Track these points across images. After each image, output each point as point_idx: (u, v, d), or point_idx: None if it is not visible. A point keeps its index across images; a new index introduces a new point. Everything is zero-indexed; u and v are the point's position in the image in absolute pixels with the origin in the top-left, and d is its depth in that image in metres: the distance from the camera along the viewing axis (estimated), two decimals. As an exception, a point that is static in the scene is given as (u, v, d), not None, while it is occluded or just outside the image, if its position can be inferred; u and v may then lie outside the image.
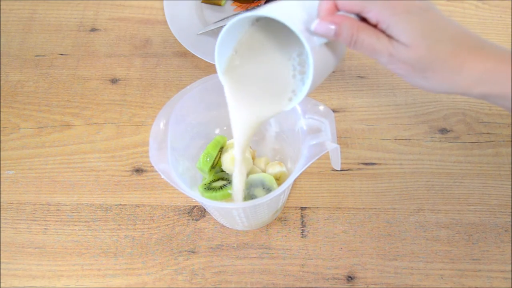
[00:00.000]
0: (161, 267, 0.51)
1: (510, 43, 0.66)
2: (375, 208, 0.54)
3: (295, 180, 0.50)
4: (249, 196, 0.50)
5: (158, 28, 0.69)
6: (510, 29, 0.68)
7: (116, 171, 0.57)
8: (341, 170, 0.56)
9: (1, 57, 0.67)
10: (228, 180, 0.51)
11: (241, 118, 0.41)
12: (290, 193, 0.55)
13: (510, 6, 0.70)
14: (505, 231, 0.53)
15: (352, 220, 0.53)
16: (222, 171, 0.52)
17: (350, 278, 0.50)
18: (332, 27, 0.33)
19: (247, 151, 0.52)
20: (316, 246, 0.52)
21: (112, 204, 0.55)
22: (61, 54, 0.67)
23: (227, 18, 0.67)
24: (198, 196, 0.49)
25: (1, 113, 0.62)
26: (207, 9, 0.70)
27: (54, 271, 0.51)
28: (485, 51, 0.33)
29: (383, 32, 0.33)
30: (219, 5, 0.70)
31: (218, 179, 0.52)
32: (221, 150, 0.53)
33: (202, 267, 0.51)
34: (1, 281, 0.51)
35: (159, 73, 0.65)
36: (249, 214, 0.47)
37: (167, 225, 0.54)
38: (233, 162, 0.52)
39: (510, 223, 0.53)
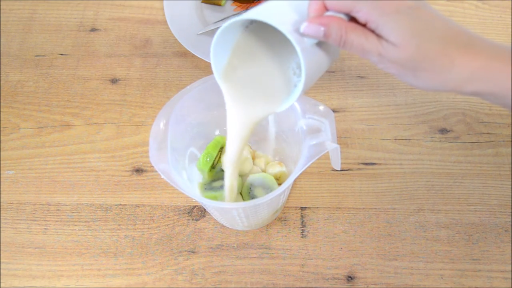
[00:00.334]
0: (161, 267, 0.51)
1: (510, 43, 0.66)
2: (375, 208, 0.54)
3: (295, 180, 0.50)
4: (249, 196, 0.50)
5: (158, 28, 0.69)
6: (510, 29, 0.68)
7: (116, 171, 0.57)
8: (341, 170, 0.56)
9: (1, 57, 0.67)
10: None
11: (238, 118, 0.41)
12: (290, 193, 0.55)
13: (510, 6, 0.70)
14: (505, 231, 0.53)
15: (352, 220, 0.53)
16: (222, 171, 0.52)
17: (350, 278, 0.50)
18: (321, 28, 0.33)
19: (246, 151, 0.52)
20: (316, 246, 0.52)
21: (112, 204, 0.55)
22: (61, 54, 0.67)
23: (227, 18, 0.67)
24: (198, 196, 0.49)
25: (1, 113, 0.62)
26: (207, 9, 0.70)
27: (54, 271, 0.51)
28: (476, 48, 0.33)
29: (372, 31, 0.33)
30: (219, 5, 0.70)
31: (218, 179, 0.52)
32: (221, 150, 0.53)
33: (202, 267, 0.51)
34: (1, 281, 0.51)
35: (159, 73, 0.65)
36: (249, 214, 0.47)
37: (167, 225, 0.54)
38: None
39: (510, 223, 0.53)
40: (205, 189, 0.51)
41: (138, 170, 0.57)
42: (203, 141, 0.54)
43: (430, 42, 0.32)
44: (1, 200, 0.56)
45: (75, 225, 0.54)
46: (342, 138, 0.59)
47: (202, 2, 0.71)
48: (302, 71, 0.34)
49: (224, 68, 0.40)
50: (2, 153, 0.59)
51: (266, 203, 0.44)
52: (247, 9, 0.70)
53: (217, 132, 0.55)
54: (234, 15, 0.68)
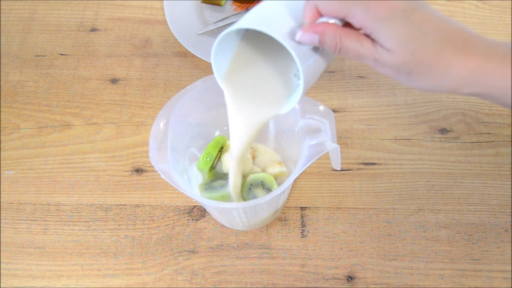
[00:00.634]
0: (161, 267, 0.51)
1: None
2: (375, 208, 0.54)
3: (295, 180, 0.50)
4: (249, 196, 0.50)
5: (158, 28, 0.69)
6: (510, 29, 0.68)
7: (116, 171, 0.57)
8: (341, 170, 0.56)
9: (1, 57, 0.67)
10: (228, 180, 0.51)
11: (241, 121, 0.42)
12: (290, 193, 0.55)
13: (510, 6, 0.70)
14: (505, 231, 0.53)
15: (352, 220, 0.53)
16: (223, 172, 0.52)
17: (350, 278, 0.50)
18: (316, 36, 0.33)
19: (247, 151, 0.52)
20: (316, 246, 0.52)
21: (112, 204, 0.55)
22: (61, 54, 0.67)
23: (227, 18, 0.67)
24: (198, 196, 0.49)
25: (1, 113, 0.62)
26: (207, 9, 0.70)
27: (54, 271, 0.52)
28: (472, 50, 0.33)
29: (367, 36, 0.33)
30: (219, 5, 0.70)
31: (218, 179, 0.52)
32: (221, 150, 0.53)
33: (202, 267, 0.51)
34: (1, 281, 0.51)
35: (159, 73, 0.65)
36: (249, 214, 0.47)
37: (167, 225, 0.54)
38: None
39: (510, 223, 0.53)
40: (205, 189, 0.51)
41: (138, 170, 0.57)
42: (203, 141, 0.54)
43: (424, 47, 0.32)
44: (1, 200, 0.56)
45: (75, 225, 0.54)
46: (342, 138, 0.59)
47: (202, 2, 0.71)
48: (301, 76, 0.34)
49: (226, 72, 0.40)
50: (2, 153, 0.59)
51: (266, 203, 0.44)
52: (247, 9, 0.70)
53: (217, 132, 0.55)
54: (234, 15, 0.68)
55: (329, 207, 0.54)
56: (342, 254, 0.52)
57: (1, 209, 0.55)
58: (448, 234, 0.53)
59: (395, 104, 0.62)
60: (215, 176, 0.53)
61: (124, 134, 0.60)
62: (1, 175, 0.57)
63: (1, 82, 0.65)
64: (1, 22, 0.71)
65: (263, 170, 0.53)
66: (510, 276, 0.50)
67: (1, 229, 0.54)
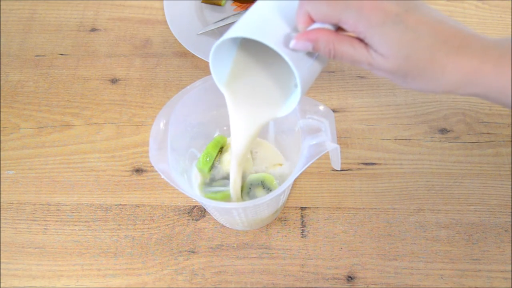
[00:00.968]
0: (161, 267, 0.51)
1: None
2: (375, 208, 0.54)
3: (295, 180, 0.50)
4: (249, 196, 0.50)
5: (158, 28, 0.69)
6: (510, 29, 0.68)
7: (116, 171, 0.57)
8: (341, 170, 0.56)
9: (1, 57, 0.67)
10: (228, 179, 0.51)
11: (242, 124, 0.42)
12: (290, 193, 0.55)
13: (510, 6, 0.70)
14: (505, 231, 0.53)
15: (352, 220, 0.53)
16: (224, 175, 0.52)
17: (350, 278, 0.50)
18: (309, 44, 0.33)
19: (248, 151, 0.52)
20: (316, 246, 0.52)
21: (112, 204, 0.55)
22: (61, 54, 0.67)
23: (227, 18, 0.67)
24: (198, 196, 0.49)
25: (1, 113, 0.62)
26: (207, 9, 0.70)
27: (54, 271, 0.52)
28: (468, 51, 0.32)
29: (361, 40, 0.33)
30: (219, 5, 0.70)
31: (218, 178, 0.52)
32: (221, 150, 0.53)
33: (202, 267, 0.51)
34: (1, 281, 0.51)
35: (159, 73, 0.65)
36: (249, 214, 0.47)
37: (167, 225, 0.54)
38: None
39: (510, 223, 0.53)
40: (206, 189, 0.51)
41: (138, 170, 0.57)
42: (203, 141, 0.54)
43: (418, 52, 0.32)
44: (1, 200, 0.56)
45: (75, 225, 0.54)
46: (342, 138, 0.59)
47: (202, 2, 0.71)
48: (297, 80, 0.34)
49: (227, 77, 0.40)
50: (2, 153, 0.59)
51: (266, 203, 0.44)
52: (247, 9, 0.70)
53: (217, 132, 0.55)
54: (234, 15, 0.68)
55: (329, 207, 0.54)
56: (342, 254, 0.52)
57: (1, 209, 0.55)
58: (448, 234, 0.52)
59: (395, 104, 0.62)
60: (215, 176, 0.52)
61: (124, 134, 0.60)
62: (1, 175, 0.57)
63: (1, 82, 0.65)
64: (1, 22, 0.71)
65: (264, 169, 0.53)
66: (510, 276, 0.50)
67: (1, 229, 0.54)
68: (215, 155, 0.52)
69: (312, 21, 0.34)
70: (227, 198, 0.49)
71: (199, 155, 0.53)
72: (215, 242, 0.53)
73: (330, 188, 0.56)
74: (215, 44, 0.36)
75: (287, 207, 0.55)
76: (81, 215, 0.55)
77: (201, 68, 0.65)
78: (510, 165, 0.57)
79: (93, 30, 0.69)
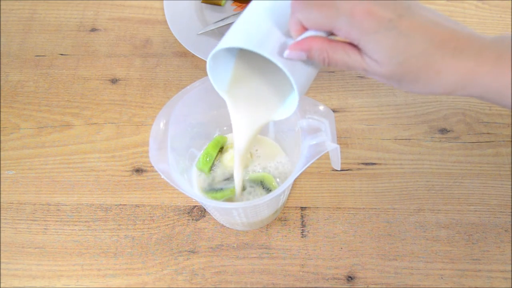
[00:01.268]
0: (161, 267, 0.51)
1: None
2: (375, 208, 0.54)
3: (295, 180, 0.50)
4: (249, 196, 0.50)
5: (158, 28, 0.69)
6: (510, 29, 0.68)
7: (116, 171, 0.57)
8: (341, 170, 0.56)
9: (1, 57, 0.67)
10: (228, 179, 0.51)
11: (243, 126, 0.43)
12: (290, 193, 0.55)
13: (510, 6, 0.70)
14: (505, 231, 0.53)
15: (352, 220, 0.53)
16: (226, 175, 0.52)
17: (350, 278, 0.50)
18: (303, 53, 0.33)
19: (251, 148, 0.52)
20: (316, 246, 0.52)
21: (112, 204, 0.55)
22: (61, 54, 0.67)
23: (227, 18, 0.67)
24: (198, 196, 0.49)
25: (1, 113, 0.62)
26: (207, 9, 0.70)
27: (54, 271, 0.51)
28: (464, 53, 0.32)
29: (355, 46, 0.33)
30: (219, 5, 0.70)
31: (219, 178, 0.52)
32: (221, 150, 0.53)
33: (202, 267, 0.51)
34: (1, 281, 0.51)
35: (159, 73, 0.65)
36: (249, 214, 0.47)
37: (167, 225, 0.54)
38: (232, 162, 0.52)
39: (510, 223, 0.53)
40: (207, 189, 0.51)
41: (138, 170, 0.57)
42: (203, 141, 0.54)
43: (412, 58, 0.32)
44: (1, 200, 0.56)
45: (75, 225, 0.54)
46: (342, 138, 0.59)
47: (202, 2, 0.70)
48: (294, 86, 0.34)
49: (228, 83, 0.41)
50: (2, 153, 0.59)
51: (266, 203, 0.44)
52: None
53: (217, 132, 0.55)
54: (234, 15, 0.68)
55: (329, 207, 0.54)
56: (342, 254, 0.52)
57: (1, 209, 0.55)
58: (448, 234, 0.52)
59: (395, 104, 0.62)
60: (215, 175, 0.52)
61: (124, 134, 0.60)
62: (1, 175, 0.57)
63: (1, 82, 0.65)
64: (1, 22, 0.71)
65: (264, 166, 0.53)
66: (510, 276, 0.50)
67: (1, 229, 0.54)
68: (215, 155, 0.52)
69: (305, 28, 0.34)
70: (232, 194, 0.50)
71: (199, 155, 0.53)
72: (215, 242, 0.53)
73: (330, 188, 0.56)
74: (210, 54, 0.36)
75: (287, 207, 0.55)
76: (81, 215, 0.55)
77: (201, 68, 0.65)
78: (510, 165, 0.57)
79: (93, 30, 0.69)
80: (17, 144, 0.60)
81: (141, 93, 0.63)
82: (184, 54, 0.66)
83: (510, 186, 0.55)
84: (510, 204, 0.54)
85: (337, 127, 0.59)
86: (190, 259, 0.52)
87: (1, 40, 0.69)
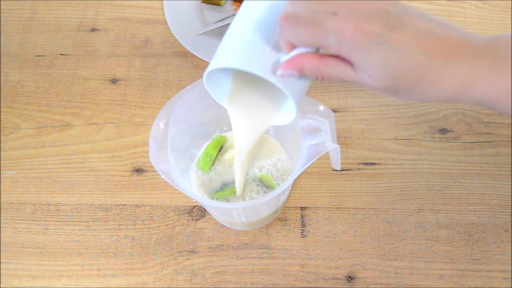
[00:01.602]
0: (161, 267, 0.51)
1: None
2: (375, 208, 0.54)
3: (295, 180, 0.50)
4: (248, 196, 0.50)
5: (158, 28, 0.69)
6: (510, 29, 0.68)
7: (116, 171, 0.57)
8: (341, 170, 0.56)
9: (1, 57, 0.67)
10: (229, 179, 0.51)
11: (246, 133, 0.43)
12: (290, 193, 0.55)
13: (510, 6, 0.70)
14: (505, 231, 0.53)
15: (352, 220, 0.53)
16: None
17: (350, 278, 0.50)
18: (295, 71, 0.33)
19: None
20: (316, 246, 0.52)
21: (112, 204, 0.55)
22: (61, 54, 0.67)
23: (227, 18, 0.67)
24: (198, 196, 0.49)
25: (1, 113, 0.62)
26: (207, 9, 0.70)
27: (54, 271, 0.51)
28: (457, 63, 0.31)
29: (348, 60, 0.33)
30: (219, 5, 0.70)
31: (219, 177, 0.52)
32: (221, 150, 0.53)
33: (202, 267, 0.51)
34: (1, 281, 0.51)
35: (159, 73, 0.65)
36: (249, 214, 0.47)
37: (167, 225, 0.54)
38: (232, 161, 0.52)
39: (510, 223, 0.53)
40: (208, 188, 0.51)
41: (138, 170, 0.57)
42: (203, 141, 0.54)
43: (405, 72, 0.31)
44: (1, 200, 0.56)
45: (75, 225, 0.54)
46: (342, 138, 0.59)
47: (202, 2, 0.71)
48: (290, 99, 0.35)
49: (229, 93, 0.41)
50: (2, 153, 0.59)
51: (266, 203, 0.44)
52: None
53: (217, 132, 0.55)
54: (234, 15, 0.68)
55: (329, 207, 0.54)
56: (342, 254, 0.52)
57: (1, 209, 0.55)
58: (448, 234, 0.52)
59: (395, 104, 0.62)
60: (216, 175, 0.52)
61: (124, 134, 0.60)
62: (1, 175, 0.57)
63: (1, 82, 0.65)
64: (1, 22, 0.71)
65: (261, 166, 0.53)
66: (510, 276, 0.50)
67: (1, 229, 0.54)
68: (215, 155, 0.52)
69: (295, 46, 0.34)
70: (232, 194, 0.50)
71: (199, 155, 0.53)
72: (215, 242, 0.53)
73: (330, 188, 0.56)
74: (204, 73, 0.36)
75: (287, 207, 0.55)
76: (81, 215, 0.55)
77: (201, 68, 0.65)
78: (510, 165, 0.57)
79: (93, 30, 0.69)
80: (17, 144, 0.60)
81: (141, 93, 0.63)
82: (184, 54, 0.66)
83: (510, 186, 0.55)
84: (510, 204, 0.54)
85: (337, 127, 0.59)
86: (190, 259, 0.52)
87: (1, 40, 0.69)
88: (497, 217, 0.53)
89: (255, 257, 0.52)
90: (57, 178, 0.57)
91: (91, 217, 0.54)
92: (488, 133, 0.59)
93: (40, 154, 0.59)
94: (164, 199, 0.55)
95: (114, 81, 0.64)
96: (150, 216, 0.54)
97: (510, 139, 0.58)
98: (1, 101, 0.63)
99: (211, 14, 0.70)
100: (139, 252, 0.52)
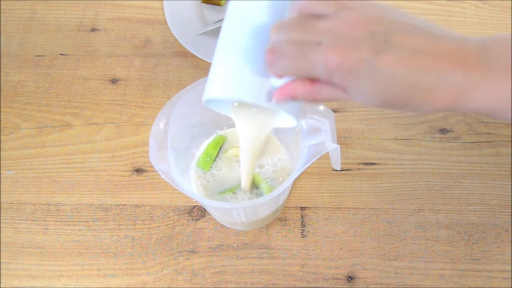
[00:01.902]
0: (161, 267, 0.51)
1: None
2: (375, 208, 0.54)
3: (295, 180, 0.50)
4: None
5: (158, 28, 0.69)
6: (510, 29, 0.68)
7: (116, 171, 0.57)
8: (341, 170, 0.56)
9: (1, 57, 0.67)
10: (229, 179, 0.51)
11: (251, 139, 0.44)
12: (290, 193, 0.55)
13: (510, 6, 0.70)
14: (505, 231, 0.53)
15: (352, 220, 0.53)
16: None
17: (350, 278, 0.50)
18: (288, 98, 0.34)
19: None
20: (316, 246, 0.52)
21: (112, 204, 0.55)
22: (61, 54, 0.67)
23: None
24: (198, 196, 0.49)
25: (1, 113, 0.62)
26: (207, 9, 0.70)
27: (54, 271, 0.52)
28: (450, 77, 0.30)
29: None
30: (219, 5, 0.70)
31: (220, 176, 0.52)
32: (221, 149, 0.53)
33: (202, 267, 0.51)
34: (1, 281, 0.51)
35: (159, 73, 0.65)
36: (249, 214, 0.47)
37: (167, 225, 0.54)
38: (232, 160, 0.52)
39: (510, 223, 0.53)
40: (206, 189, 0.51)
41: (138, 170, 0.57)
42: (203, 141, 0.54)
43: (396, 94, 0.31)
44: (1, 200, 0.56)
45: (75, 225, 0.54)
46: (342, 138, 0.59)
47: (202, 2, 0.70)
48: (288, 116, 0.36)
49: (231, 104, 0.42)
50: (2, 153, 0.59)
51: (266, 203, 0.44)
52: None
53: (217, 132, 0.55)
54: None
55: (329, 207, 0.54)
56: (342, 254, 0.52)
57: (1, 209, 0.55)
58: (448, 234, 0.52)
59: (395, 104, 0.61)
60: (216, 175, 0.52)
61: (124, 134, 0.60)
62: (1, 175, 0.57)
63: (1, 82, 0.65)
64: (1, 22, 0.71)
65: (260, 166, 0.53)
66: (510, 276, 0.50)
67: (1, 229, 0.54)
68: (215, 155, 0.52)
69: None
70: (234, 190, 0.50)
71: (199, 155, 0.53)
72: (215, 242, 0.53)
73: (330, 188, 0.56)
74: (203, 99, 0.38)
75: (287, 207, 0.55)
76: (81, 215, 0.55)
77: (201, 68, 0.65)
78: (510, 165, 0.57)
79: (93, 30, 0.69)
80: (17, 144, 0.60)
81: (141, 93, 0.63)
82: (184, 54, 0.66)
83: (510, 186, 0.55)
84: (510, 204, 0.54)
85: (337, 127, 0.59)
86: (190, 259, 0.52)
87: (1, 40, 0.69)
88: (497, 217, 0.53)
89: (255, 257, 0.52)
90: (57, 178, 0.57)
91: (91, 217, 0.54)
92: (488, 133, 0.59)
93: (40, 154, 0.59)
94: (164, 199, 0.55)
95: (114, 81, 0.64)
96: (150, 216, 0.54)
97: (510, 139, 0.58)
98: (1, 101, 0.63)
99: (211, 14, 0.70)
100: (139, 252, 0.52)
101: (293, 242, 0.52)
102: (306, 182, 0.56)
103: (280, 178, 0.52)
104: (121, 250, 0.52)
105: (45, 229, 0.54)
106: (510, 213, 0.54)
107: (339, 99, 0.33)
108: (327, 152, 0.43)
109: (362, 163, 0.57)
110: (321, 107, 0.44)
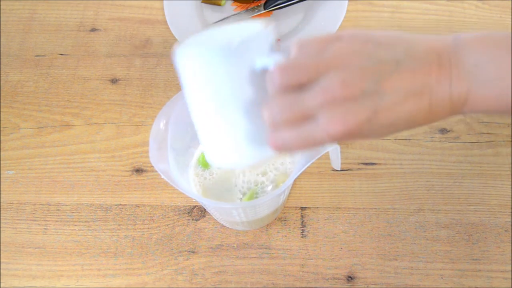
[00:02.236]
0: (161, 267, 0.51)
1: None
2: (375, 208, 0.54)
3: (295, 180, 0.50)
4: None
5: (158, 28, 0.69)
6: (510, 29, 0.68)
7: (116, 171, 0.57)
8: (341, 170, 0.56)
9: (1, 57, 0.67)
10: (229, 179, 0.51)
11: None
12: (290, 193, 0.55)
13: (510, 6, 0.70)
14: (505, 231, 0.53)
15: (352, 220, 0.53)
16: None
17: (350, 278, 0.50)
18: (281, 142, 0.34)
19: None
20: (316, 246, 0.52)
21: (112, 204, 0.55)
22: (61, 54, 0.67)
23: (227, 18, 0.67)
24: (198, 196, 0.49)
25: (1, 113, 0.62)
26: (207, 9, 0.70)
27: (54, 271, 0.52)
28: (440, 105, 0.32)
29: None
30: (219, 5, 0.70)
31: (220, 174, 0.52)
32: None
33: (202, 267, 0.51)
34: (1, 281, 0.51)
35: (159, 73, 0.65)
36: (249, 214, 0.47)
37: (167, 225, 0.54)
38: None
39: (510, 223, 0.53)
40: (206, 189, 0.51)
41: (138, 170, 0.57)
42: (203, 141, 0.54)
43: (400, 129, 0.35)
44: (1, 200, 0.56)
45: (75, 225, 0.54)
46: (342, 138, 0.59)
47: (202, 2, 0.70)
48: None
49: None
50: (2, 153, 0.59)
51: (266, 203, 0.44)
52: (247, 9, 0.70)
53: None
54: (234, 15, 0.68)
55: (329, 207, 0.54)
56: (342, 254, 0.52)
57: (1, 209, 0.55)
58: (448, 234, 0.52)
59: (395, 104, 0.61)
60: (215, 175, 0.52)
61: (124, 134, 0.60)
62: (1, 175, 0.57)
63: (1, 82, 0.65)
64: (1, 22, 0.71)
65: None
66: (510, 276, 0.50)
67: (1, 229, 0.54)
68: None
69: None
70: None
71: (199, 155, 0.53)
72: (215, 242, 0.53)
73: (330, 188, 0.56)
74: (214, 166, 0.38)
75: (287, 207, 0.55)
76: (81, 215, 0.55)
77: (201, 68, 0.65)
78: (510, 165, 0.57)
79: (93, 30, 0.69)
80: (17, 144, 0.60)
81: (141, 93, 0.63)
82: (184, 54, 0.66)
83: (510, 186, 0.55)
84: (510, 204, 0.54)
85: (337, 127, 0.59)
86: (190, 259, 0.52)
87: (1, 40, 0.69)
88: (497, 217, 0.53)
89: (255, 257, 0.52)
90: (57, 178, 0.57)
91: (91, 217, 0.54)
92: (488, 133, 0.59)
93: (40, 154, 0.59)
94: (164, 199, 0.55)
95: (114, 81, 0.64)
96: (150, 216, 0.54)
97: (510, 139, 0.58)
98: (1, 101, 0.63)
99: (211, 14, 0.70)
100: (139, 252, 0.52)
101: (293, 242, 0.52)
102: (306, 182, 0.56)
103: (279, 178, 0.52)
104: (121, 250, 0.52)
105: (45, 229, 0.54)
106: (510, 213, 0.54)
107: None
108: (327, 152, 0.43)
109: (362, 163, 0.57)
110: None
